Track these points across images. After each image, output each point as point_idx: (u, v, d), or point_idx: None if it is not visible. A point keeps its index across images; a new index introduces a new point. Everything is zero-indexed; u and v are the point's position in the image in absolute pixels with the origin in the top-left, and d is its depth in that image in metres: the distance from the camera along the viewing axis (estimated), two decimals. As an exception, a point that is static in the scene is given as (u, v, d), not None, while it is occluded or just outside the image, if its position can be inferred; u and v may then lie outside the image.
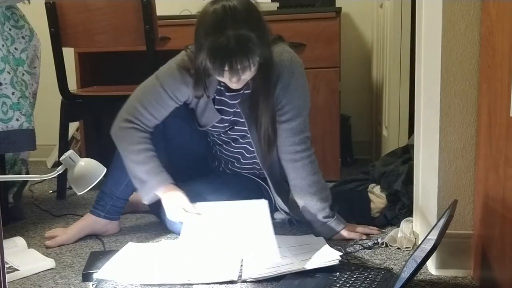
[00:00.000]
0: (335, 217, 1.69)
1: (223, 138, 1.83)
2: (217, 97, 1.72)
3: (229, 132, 1.80)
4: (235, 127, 1.77)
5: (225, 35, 1.42)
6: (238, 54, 1.43)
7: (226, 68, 1.45)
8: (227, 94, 1.70)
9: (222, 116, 1.74)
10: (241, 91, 1.68)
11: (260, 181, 1.86)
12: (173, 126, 1.75)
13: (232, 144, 1.83)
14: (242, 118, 1.71)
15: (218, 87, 1.69)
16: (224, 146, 1.86)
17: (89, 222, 1.77)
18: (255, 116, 1.66)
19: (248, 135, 1.72)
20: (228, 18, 1.43)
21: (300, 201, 1.70)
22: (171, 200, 1.62)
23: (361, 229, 1.71)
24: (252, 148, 1.75)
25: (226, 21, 1.43)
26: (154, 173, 1.63)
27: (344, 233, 1.68)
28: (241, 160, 1.87)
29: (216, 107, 1.73)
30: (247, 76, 1.53)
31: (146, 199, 1.67)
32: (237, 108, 1.71)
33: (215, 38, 1.43)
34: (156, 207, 1.92)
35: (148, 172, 1.63)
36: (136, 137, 1.65)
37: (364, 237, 1.68)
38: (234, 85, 1.56)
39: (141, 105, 1.66)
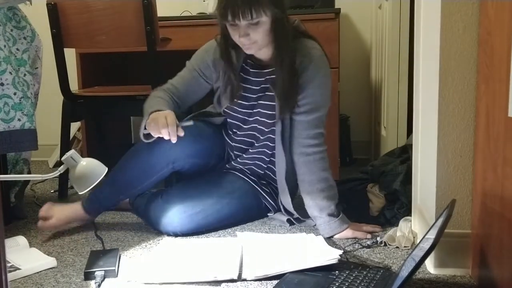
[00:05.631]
0: (340, 216, 1.70)
1: (240, 117, 1.85)
2: (242, 74, 1.78)
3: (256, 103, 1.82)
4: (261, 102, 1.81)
5: None
6: (241, 2, 1.52)
7: (229, 17, 1.54)
8: (251, 71, 1.77)
9: (245, 94, 1.78)
10: (265, 70, 1.74)
11: (254, 185, 1.87)
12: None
13: (249, 119, 1.84)
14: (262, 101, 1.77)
15: (243, 64, 1.76)
16: (242, 125, 1.86)
17: (77, 214, 1.84)
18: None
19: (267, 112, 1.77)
20: None
21: (307, 197, 1.72)
22: (158, 115, 1.61)
23: (365, 227, 1.73)
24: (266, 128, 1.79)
25: None
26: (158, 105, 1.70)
27: (349, 232, 1.69)
28: (255, 144, 1.86)
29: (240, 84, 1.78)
30: (253, 34, 1.58)
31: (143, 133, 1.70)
32: (260, 92, 1.77)
33: None
34: (139, 209, 1.93)
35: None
36: (160, 91, 1.80)
37: (369, 236, 1.69)
38: (241, 41, 1.60)
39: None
